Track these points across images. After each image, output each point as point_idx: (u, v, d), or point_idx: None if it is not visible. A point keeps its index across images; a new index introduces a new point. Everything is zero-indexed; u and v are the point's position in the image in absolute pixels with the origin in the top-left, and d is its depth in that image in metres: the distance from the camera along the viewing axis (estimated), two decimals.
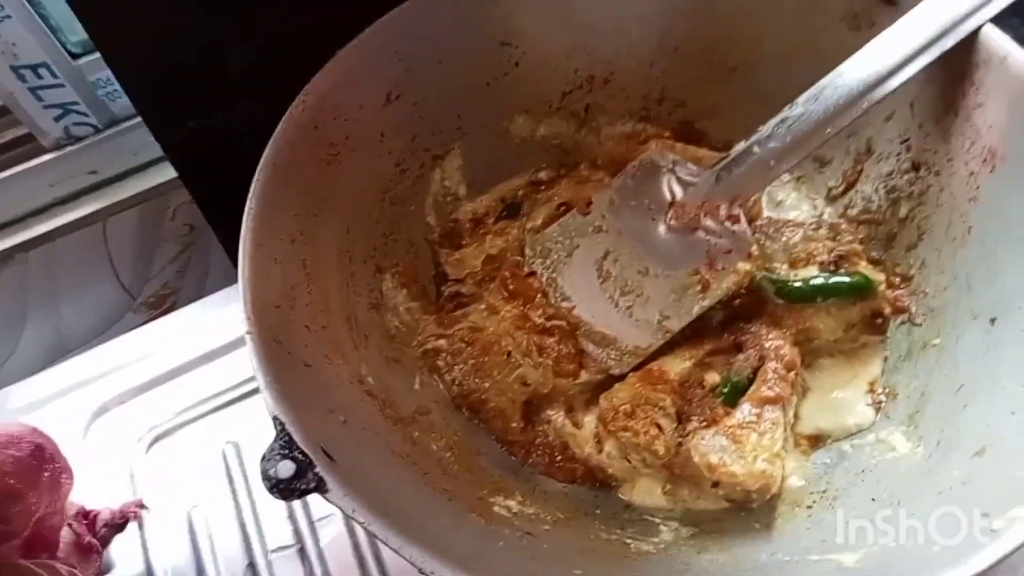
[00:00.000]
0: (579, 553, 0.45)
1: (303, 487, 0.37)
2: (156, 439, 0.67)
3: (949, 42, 0.51)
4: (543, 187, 0.65)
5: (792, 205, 0.61)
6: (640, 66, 0.65)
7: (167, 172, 0.85)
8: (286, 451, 0.38)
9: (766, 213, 0.61)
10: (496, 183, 0.66)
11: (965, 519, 0.38)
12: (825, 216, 0.60)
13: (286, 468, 0.38)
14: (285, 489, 0.37)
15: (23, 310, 0.87)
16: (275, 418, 0.39)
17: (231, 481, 0.63)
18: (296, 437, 0.39)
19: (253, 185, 0.49)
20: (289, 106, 0.53)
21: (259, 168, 0.50)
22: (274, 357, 0.43)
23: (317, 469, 0.38)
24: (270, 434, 0.39)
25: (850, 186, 0.60)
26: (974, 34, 0.51)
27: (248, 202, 0.49)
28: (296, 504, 0.62)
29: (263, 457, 0.38)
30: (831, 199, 0.61)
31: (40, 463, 0.50)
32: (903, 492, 0.45)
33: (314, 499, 0.57)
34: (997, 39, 0.50)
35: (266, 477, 0.38)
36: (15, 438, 0.49)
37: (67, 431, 0.63)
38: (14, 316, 0.87)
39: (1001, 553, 0.34)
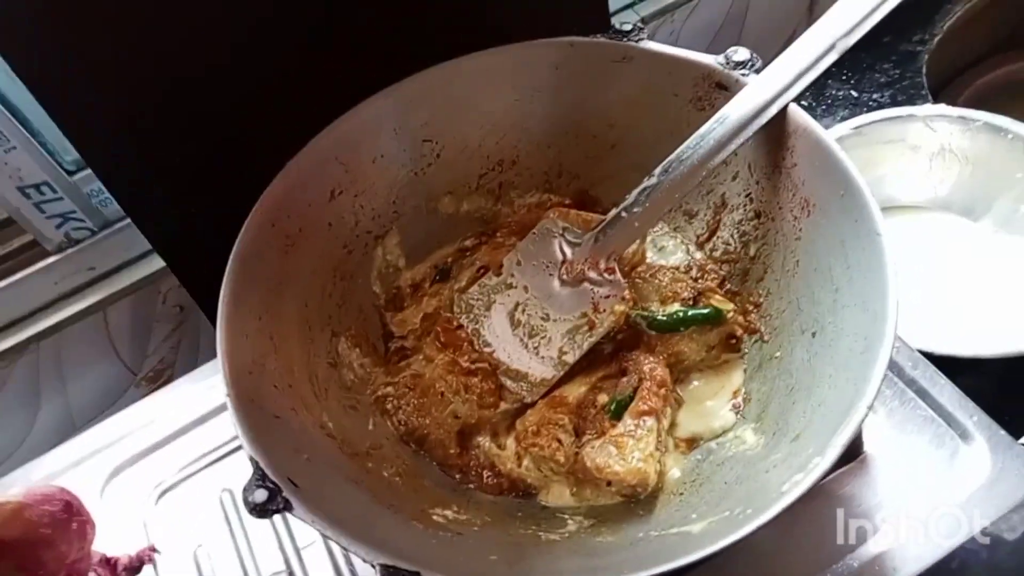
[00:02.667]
0: (498, 544, 0.57)
1: (274, 508, 0.50)
2: (163, 493, 0.78)
3: (763, 119, 0.64)
4: (468, 253, 0.78)
5: (671, 251, 0.75)
6: (539, 149, 0.79)
7: (156, 263, 0.98)
8: (260, 482, 0.51)
9: (650, 258, 0.74)
10: (430, 253, 0.79)
11: (775, 487, 0.50)
12: (696, 258, 0.74)
13: (261, 495, 0.50)
14: (261, 510, 0.50)
15: (37, 394, 0.99)
16: (251, 459, 0.52)
17: (229, 522, 0.75)
18: (267, 472, 0.51)
19: (225, 276, 0.62)
20: (251, 207, 0.67)
21: (229, 261, 0.63)
22: (248, 413, 0.56)
23: (284, 494, 0.50)
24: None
25: (712, 233, 0.74)
26: (783, 111, 0.65)
27: (222, 289, 0.62)
28: (284, 535, 0.74)
29: (244, 488, 0.51)
30: (699, 245, 0.74)
31: (69, 516, 0.62)
32: (744, 473, 0.57)
33: (298, 529, 0.71)
34: (799, 114, 0.64)
35: (246, 503, 0.50)
36: (48, 496, 0.61)
37: (87, 492, 0.74)
38: (30, 400, 0.99)
39: (780, 508, 0.47)
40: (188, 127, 0.71)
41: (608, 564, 0.51)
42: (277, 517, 0.73)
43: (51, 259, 0.95)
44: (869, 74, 1.23)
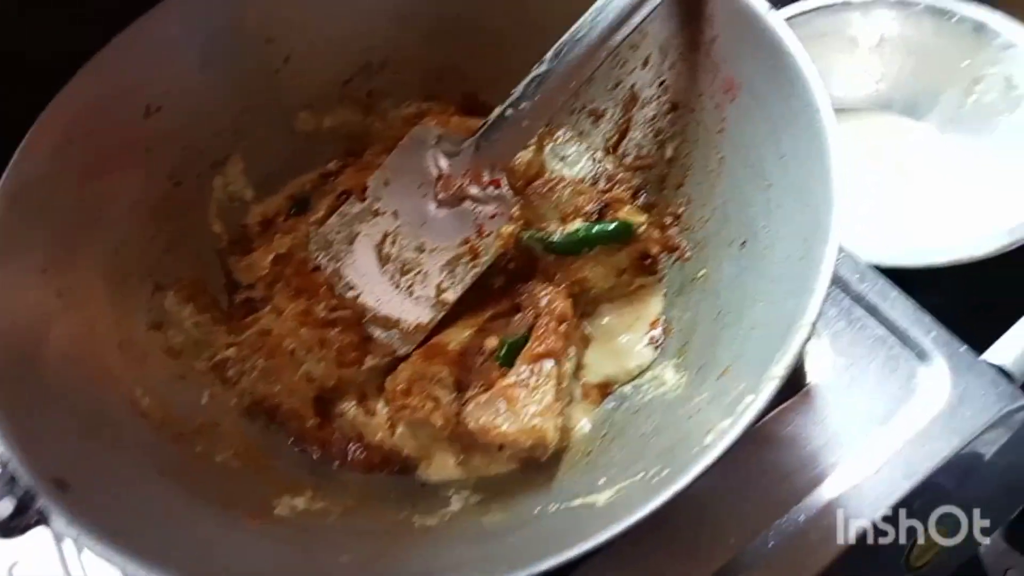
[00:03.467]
0: (357, 537, 0.45)
1: (25, 523, 0.36)
2: None
3: None
4: (333, 178, 0.64)
5: (574, 160, 0.62)
6: (415, 46, 0.65)
7: None
8: (7, 489, 0.37)
9: (550, 170, 0.61)
10: (285, 182, 0.65)
11: (697, 437, 0.39)
12: (604, 168, 0.61)
13: (5, 507, 0.37)
14: (4, 528, 0.36)
15: None
16: None
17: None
18: (22, 471, 0.38)
19: None
20: None
21: None
22: (11, 394, 0.42)
23: (41, 503, 0.37)
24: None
25: (623, 135, 0.61)
26: None
27: None
28: None
29: None
30: (608, 150, 0.62)
31: None
32: (664, 421, 0.46)
33: None
34: None
35: None
36: None
37: None
38: None
39: (703, 466, 0.35)
40: None
41: (492, 553, 0.40)
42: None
43: None
44: None
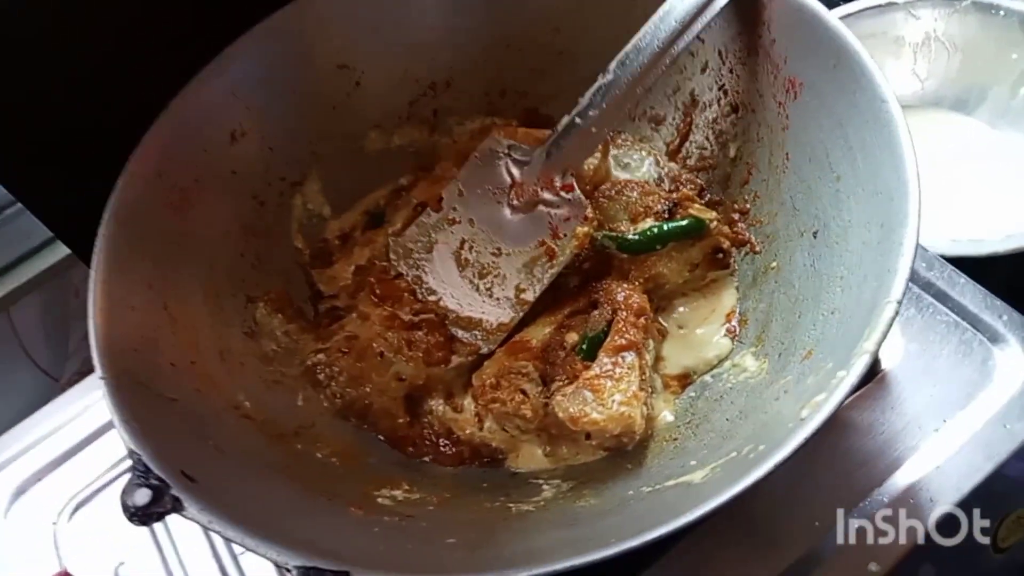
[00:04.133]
0: (459, 524, 0.46)
1: (160, 510, 0.39)
2: (78, 507, 0.67)
3: None
4: (404, 192, 0.67)
5: (637, 166, 0.64)
6: (476, 66, 0.68)
7: (61, 250, 0.86)
8: (143, 480, 0.40)
9: (615, 175, 0.64)
10: (359, 198, 0.68)
11: (790, 415, 0.40)
12: (668, 171, 0.63)
13: (143, 496, 0.39)
14: (143, 514, 0.39)
15: None
16: (131, 451, 0.41)
17: (154, 533, 0.64)
18: (152, 466, 0.40)
19: (97, 240, 0.51)
20: None
21: (102, 222, 0.52)
22: (132, 397, 0.45)
23: (173, 492, 0.39)
24: None
25: (684, 138, 0.63)
26: None
27: (94, 256, 0.50)
28: (218, 542, 0.63)
29: (122, 491, 0.40)
30: (671, 154, 0.64)
31: None
32: (749, 405, 0.47)
33: None
34: None
35: (124, 508, 0.39)
36: None
37: None
38: None
39: (802, 437, 0.37)
40: (65, 92, 0.59)
41: (592, 533, 0.41)
42: None
43: None
44: None
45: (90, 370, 0.97)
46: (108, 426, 0.71)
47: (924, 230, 0.76)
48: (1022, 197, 0.83)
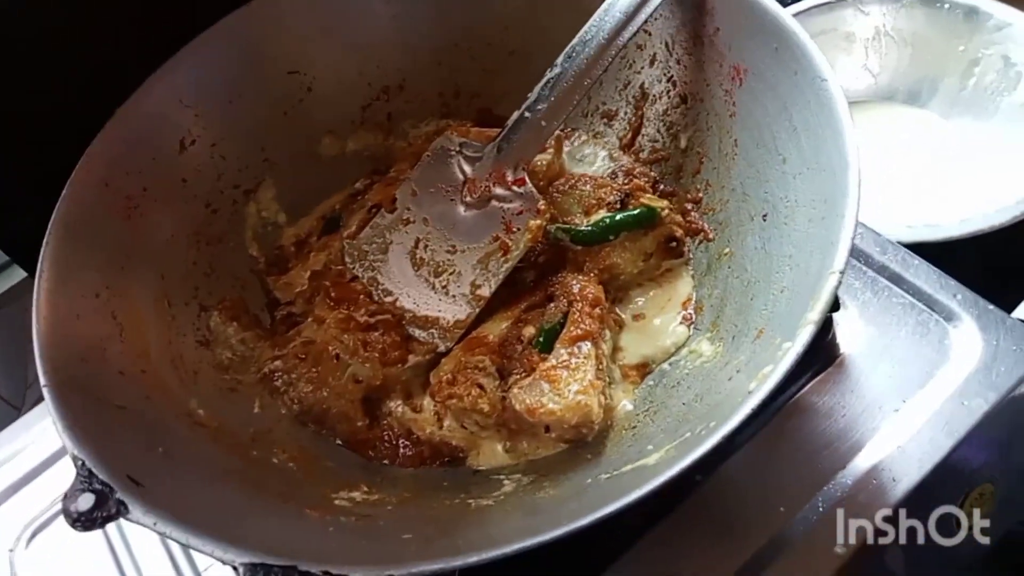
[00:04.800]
0: (416, 521, 0.46)
1: (104, 515, 0.38)
2: (35, 532, 0.65)
3: None
4: (360, 197, 0.67)
5: (591, 161, 0.64)
6: (428, 68, 0.68)
7: (16, 273, 0.85)
8: (86, 485, 0.39)
9: (571, 170, 0.64)
10: (315, 204, 0.67)
11: (740, 391, 0.40)
12: (621, 164, 0.63)
13: (85, 500, 0.38)
14: (87, 520, 0.38)
15: None
16: (74, 457, 0.40)
17: (114, 552, 0.63)
18: (95, 470, 0.39)
19: (43, 249, 0.50)
20: None
21: (48, 232, 0.51)
22: (76, 405, 0.44)
23: (118, 496, 0.38)
24: None
25: (636, 132, 0.64)
26: None
27: (40, 264, 0.50)
28: (182, 562, 0.61)
29: (64, 496, 0.39)
30: (624, 147, 0.64)
31: None
32: (704, 388, 0.47)
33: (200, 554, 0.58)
34: None
35: (67, 513, 0.38)
36: None
37: None
38: None
39: (749, 408, 0.36)
40: (19, 110, 0.59)
41: (549, 520, 0.40)
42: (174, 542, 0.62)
43: None
44: None
45: None
46: (61, 453, 0.70)
47: (881, 217, 0.78)
48: (976, 183, 0.84)
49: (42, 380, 0.44)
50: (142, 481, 0.40)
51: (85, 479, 0.39)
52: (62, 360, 0.46)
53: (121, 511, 0.38)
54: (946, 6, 0.90)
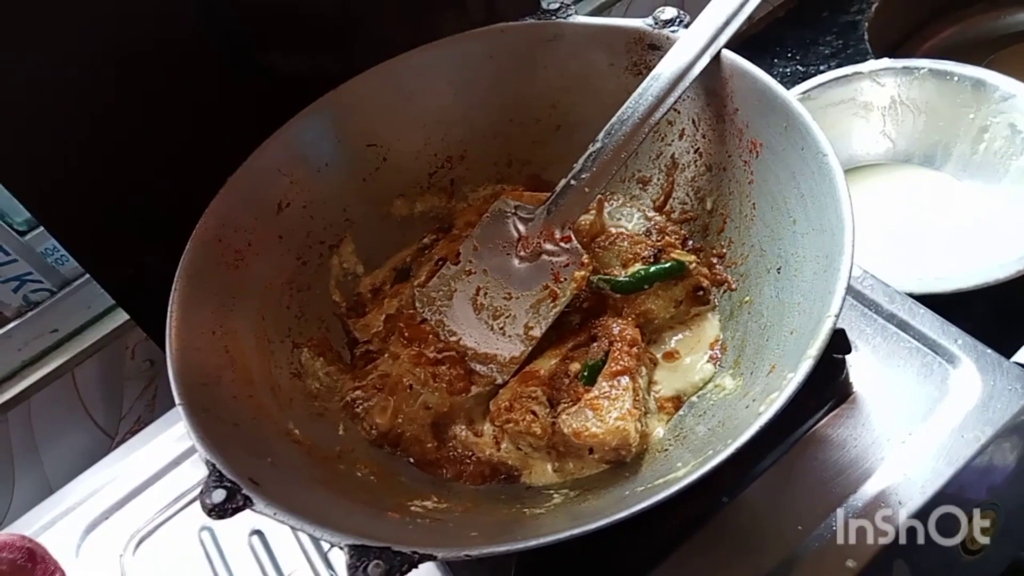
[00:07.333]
0: (480, 524, 0.54)
1: (234, 506, 0.47)
2: (141, 540, 0.75)
3: (697, 69, 0.64)
4: (427, 251, 0.77)
5: (628, 220, 0.74)
6: (486, 140, 0.79)
7: (120, 316, 0.96)
8: (217, 483, 0.48)
9: (610, 228, 0.73)
10: (388, 257, 0.77)
11: (753, 415, 0.48)
12: (655, 223, 0.72)
13: (219, 495, 0.47)
14: (220, 510, 0.47)
15: (9, 466, 0.96)
16: (206, 462, 0.49)
17: (210, 559, 0.72)
18: (224, 472, 0.49)
19: (172, 294, 0.61)
20: None
21: (175, 279, 0.62)
22: (203, 421, 0.53)
23: (244, 492, 0.48)
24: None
25: (668, 196, 0.73)
26: (717, 59, 0.65)
27: (170, 306, 0.60)
28: (267, 564, 0.70)
29: (200, 491, 0.48)
30: (657, 209, 0.73)
31: (32, 564, 0.59)
32: (726, 416, 0.55)
33: (283, 556, 0.67)
34: (733, 58, 0.65)
35: (203, 505, 0.47)
36: (8, 544, 0.58)
37: (62, 552, 0.72)
38: (3, 473, 0.96)
39: (759, 426, 0.44)
40: (134, 173, 0.70)
41: (591, 522, 0.48)
42: (260, 548, 0.71)
43: (11, 324, 0.93)
44: (813, 48, 1.24)
45: (139, 428, 1.07)
46: (160, 474, 0.80)
47: (896, 270, 0.85)
48: (984, 239, 0.91)
49: (177, 400, 0.54)
50: (259, 483, 0.50)
51: (216, 479, 0.48)
52: (188, 386, 0.56)
53: (247, 504, 0.47)
54: (955, 78, 0.98)
